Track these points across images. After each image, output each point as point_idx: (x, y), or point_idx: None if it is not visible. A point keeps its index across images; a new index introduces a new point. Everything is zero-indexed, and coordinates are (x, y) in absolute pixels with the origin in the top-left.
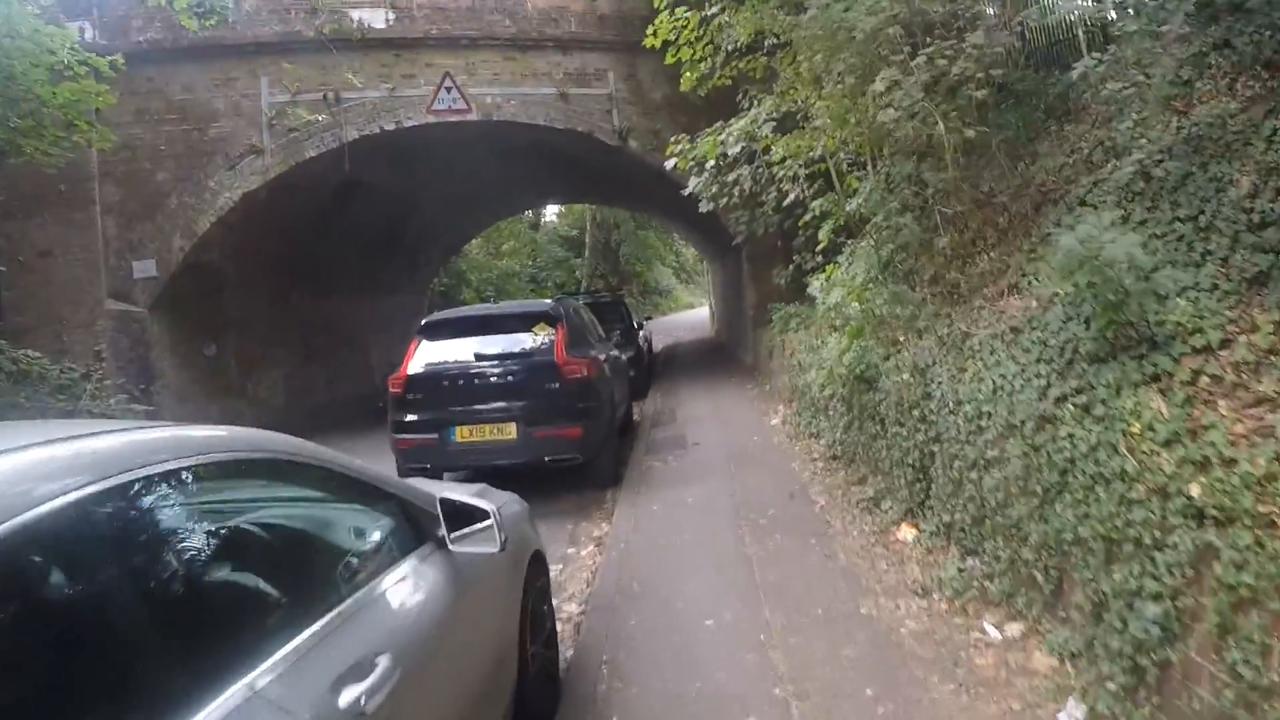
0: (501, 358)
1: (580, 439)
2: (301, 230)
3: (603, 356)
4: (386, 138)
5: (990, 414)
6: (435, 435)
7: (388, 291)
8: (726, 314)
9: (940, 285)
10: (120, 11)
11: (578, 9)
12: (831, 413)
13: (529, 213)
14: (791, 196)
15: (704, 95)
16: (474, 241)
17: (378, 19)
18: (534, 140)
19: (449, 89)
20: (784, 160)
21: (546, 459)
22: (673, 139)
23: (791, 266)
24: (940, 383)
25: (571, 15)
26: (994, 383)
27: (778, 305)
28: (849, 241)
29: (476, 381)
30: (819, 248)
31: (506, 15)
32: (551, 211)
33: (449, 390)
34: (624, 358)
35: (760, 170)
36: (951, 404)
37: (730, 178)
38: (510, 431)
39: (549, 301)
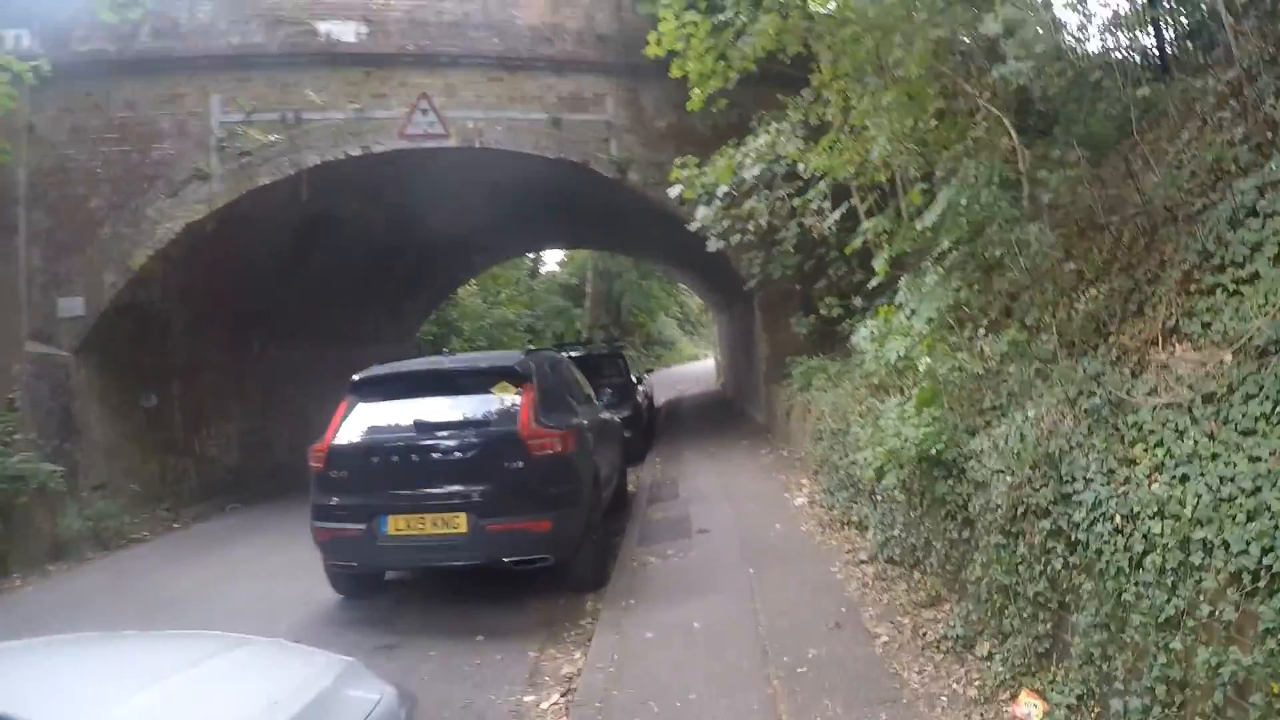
0: (451, 427)
1: (550, 534)
2: (262, 271)
3: (587, 422)
4: (355, 167)
5: (1210, 543)
6: (363, 526)
7: (367, 340)
8: (734, 367)
9: (1056, 330)
10: (61, 19)
11: (574, 26)
12: (883, 500)
13: (529, 259)
14: (831, 219)
15: (713, 124)
16: (467, 288)
17: (348, 32)
18: (523, 174)
19: (425, 111)
20: (815, 180)
21: (506, 560)
22: (678, 162)
23: (813, 315)
24: (1088, 478)
25: (567, 33)
26: (1207, 487)
27: (798, 359)
28: (901, 277)
29: (417, 457)
30: (873, 283)
31: (494, 32)
32: (553, 261)
33: (382, 468)
34: (617, 419)
35: (779, 201)
36: (1115, 515)
37: (744, 208)
38: (459, 524)
39: (517, 354)
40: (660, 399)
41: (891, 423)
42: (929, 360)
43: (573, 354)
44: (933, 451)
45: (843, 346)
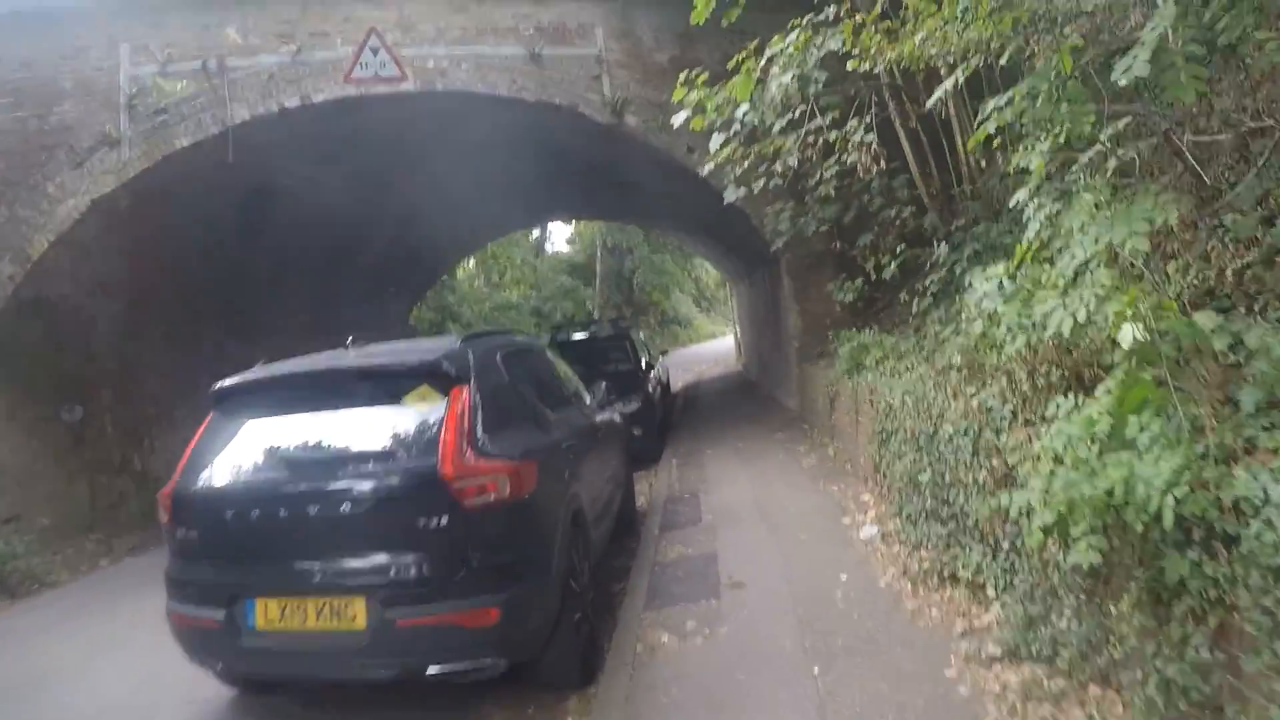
0: (340, 463)
1: (499, 628)
2: (205, 257)
3: (565, 438)
4: (298, 123)
5: None
6: (221, 613)
7: (344, 331)
8: (757, 345)
9: None
10: None
11: None
12: (1024, 555)
13: (533, 236)
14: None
15: (724, 55)
16: (466, 270)
17: None
18: (504, 127)
19: (375, 50)
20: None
21: (429, 671)
22: (682, 79)
23: (858, 278)
24: None
25: None
26: None
27: (845, 332)
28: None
29: (292, 512)
30: (1033, 188)
31: None
32: (561, 240)
33: (244, 527)
34: (618, 419)
35: (813, 136)
36: None
37: (769, 144)
38: (354, 615)
39: (447, 342)
40: (677, 383)
41: (1068, 444)
42: (1137, 330)
43: (574, 337)
44: (1170, 502)
45: (892, 316)
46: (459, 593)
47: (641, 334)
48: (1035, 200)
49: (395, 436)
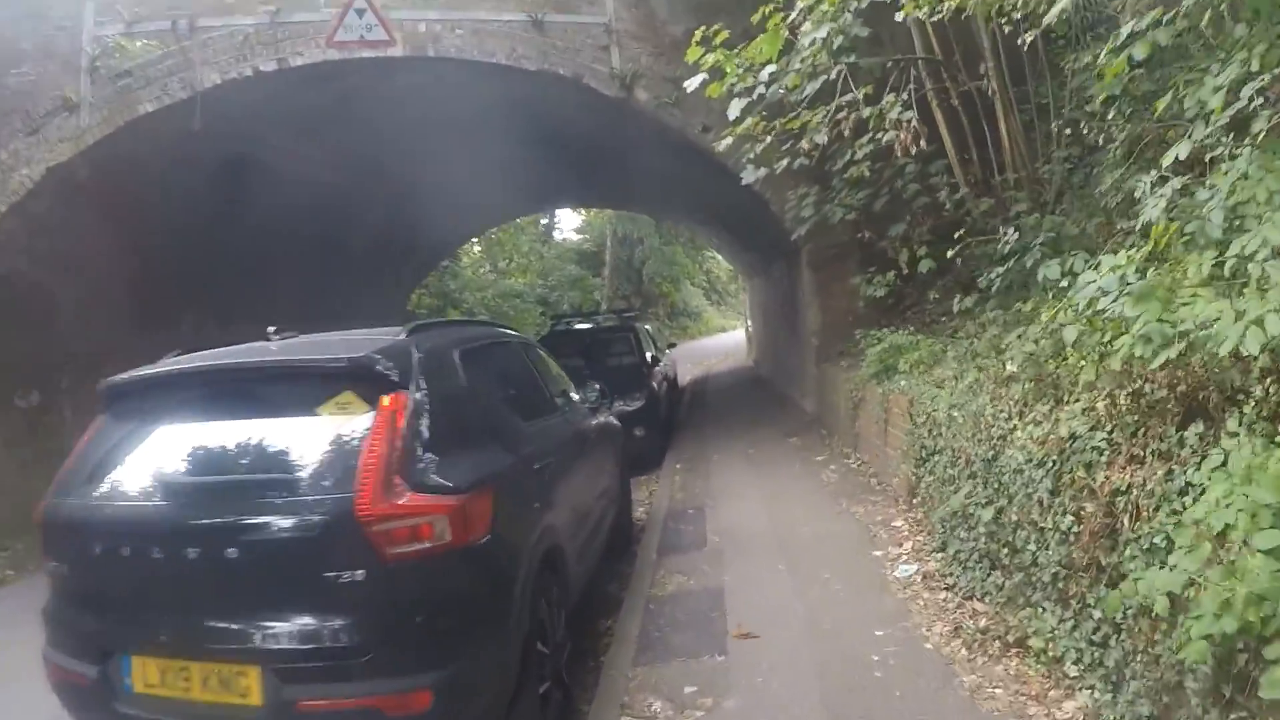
0: (239, 493)
1: (433, 716)
2: (180, 233)
3: (541, 460)
4: (276, 90)
5: None
6: (95, 669)
7: (338, 316)
8: (771, 341)
9: None
10: None
11: None
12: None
13: (541, 224)
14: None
15: (745, 30)
16: (471, 256)
17: None
18: (504, 102)
19: (360, 11)
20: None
21: None
22: (698, 37)
23: (891, 273)
24: None
25: None
26: None
27: (874, 331)
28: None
29: (174, 554)
30: (1210, 134)
31: None
32: (570, 228)
33: (121, 568)
34: (614, 422)
35: (844, 112)
36: None
37: (796, 119)
38: (248, 689)
39: (387, 334)
40: (685, 376)
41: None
42: None
43: (576, 328)
44: None
45: (921, 315)
46: (381, 669)
47: (649, 326)
48: (1169, 179)
49: (304, 459)
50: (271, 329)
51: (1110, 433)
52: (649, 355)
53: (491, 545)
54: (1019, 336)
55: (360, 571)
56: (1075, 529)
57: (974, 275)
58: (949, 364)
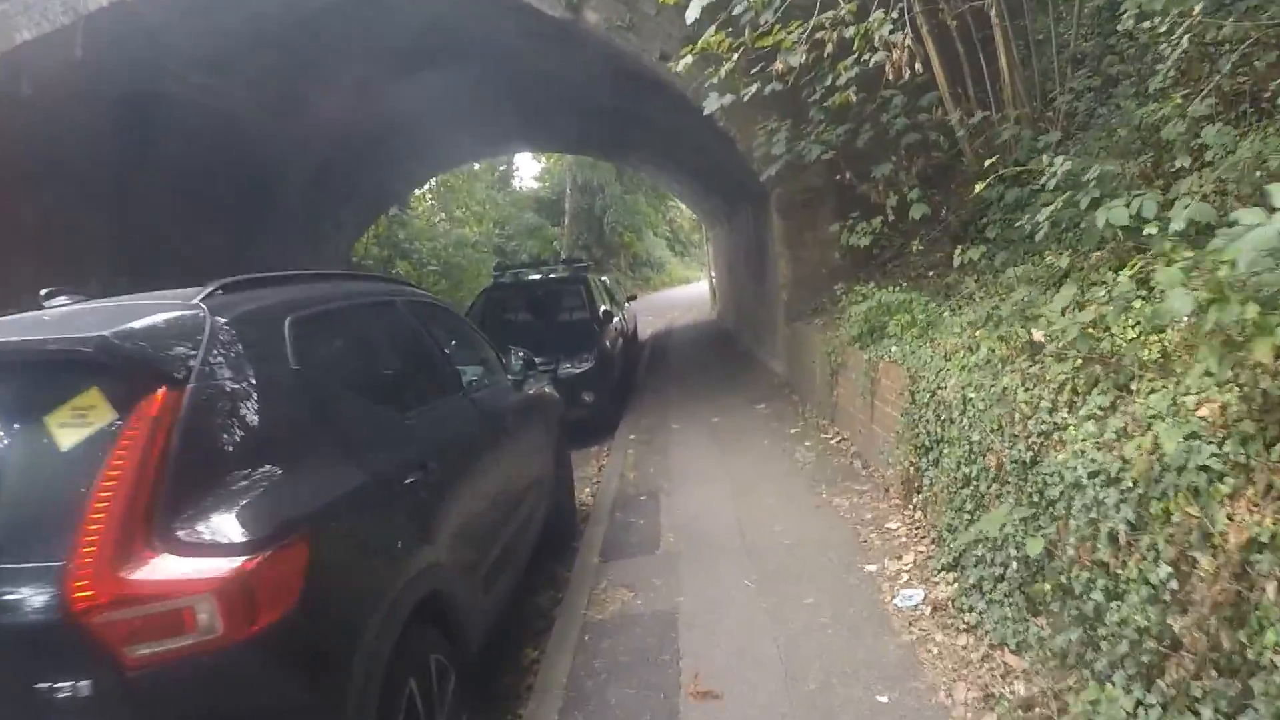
0: None
1: None
2: (81, 179)
3: (416, 470)
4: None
5: None
6: None
7: (268, 267)
8: (736, 295)
9: None
10: None
11: None
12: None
13: (499, 170)
14: None
15: None
16: (422, 202)
17: None
18: (432, 23)
19: None
20: None
21: None
22: None
23: (878, 219)
24: None
25: None
26: None
27: (858, 286)
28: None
29: None
30: None
31: None
32: (530, 175)
33: None
34: (549, 392)
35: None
36: None
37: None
38: None
39: (171, 301)
40: (646, 330)
41: None
42: None
43: (522, 280)
44: None
45: (904, 269)
46: None
47: (607, 278)
48: None
49: (14, 501)
50: (44, 291)
51: (1223, 447)
52: (602, 310)
53: (304, 624)
54: (1075, 302)
55: (85, 682)
56: (1176, 586)
57: (974, 222)
58: (950, 329)
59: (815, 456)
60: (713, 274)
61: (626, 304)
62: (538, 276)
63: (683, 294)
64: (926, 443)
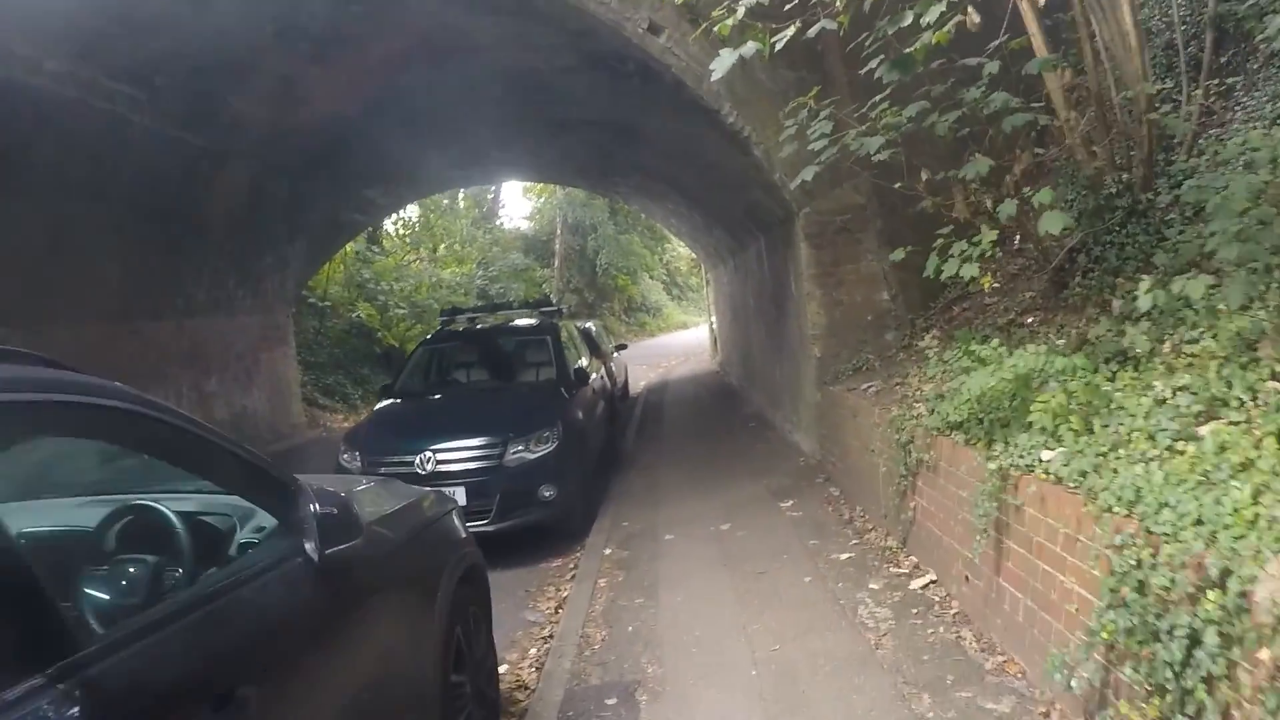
0: None
1: None
2: None
3: None
4: None
5: None
6: None
7: (205, 309)
8: (743, 344)
9: None
10: None
11: None
12: None
13: (479, 204)
14: None
15: None
16: (396, 239)
17: None
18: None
19: None
20: None
21: None
22: None
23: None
24: None
25: None
26: None
27: (965, 334)
28: None
29: None
30: None
31: None
32: (519, 215)
33: None
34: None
35: None
36: None
37: None
38: None
39: None
40: (639, 381)
41: None
42: None
43: (474, 330)
44: None
45: (984, 316)
46: None
47: (592, 324)
48: None
49: None
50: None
51: None
52: (575, 368)
53: None
54: None
55: None
56: None
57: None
58: (1147, 422)
59: (892, 617)
60: (713, 319)
61: (615, 354)
62: (493, 326)
63: (680, 340)
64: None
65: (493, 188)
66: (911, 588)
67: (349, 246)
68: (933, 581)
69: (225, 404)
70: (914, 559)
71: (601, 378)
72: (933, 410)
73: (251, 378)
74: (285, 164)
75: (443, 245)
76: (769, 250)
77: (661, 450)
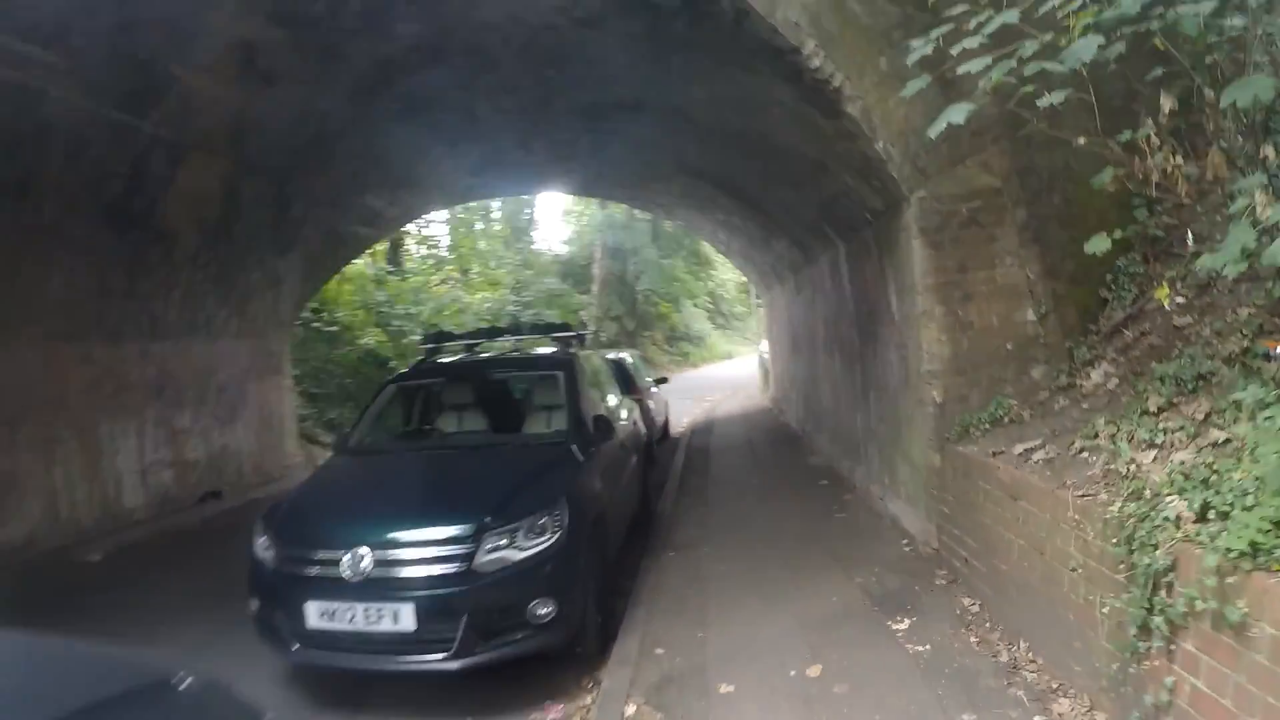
0: None
1: None
2: None
3: None
4: None
5: None
6: None
7: (176, 331)
8: (807, 379)
9: None
10: None
11: None
12: None
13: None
14: None
15: None
16: (419, 259)
17: None
18: None
19: None
20: None
21: None
22: None
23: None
24: None
25: None
26: None
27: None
28: None
29: None
30: None
31: None
32: (556, 240)
33: None
34: None
35: None
36: None
37: None
38: None
39: None
40: (681, 419)
41: None
42: None
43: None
44: None
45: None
46: None
47: (627, 355)
48: None
49: None
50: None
51: None
52: (594, 415)
53: None
54: None
55: None
56: None
57: None
58: None
59: None
60: (764, 349)
61: (655, 389)
62: (491, 358)
63: (726, 372)
64: None
65: (526, 210)
66: None
67: (361, 266)
68: None
69: (202, 442)
70: None
71: (634, 422)
72: (1219, 513)
73: (236, 412)
74: (264, 163)
75: (475, 267)
76: (852, 259)
77: (708, 519)
